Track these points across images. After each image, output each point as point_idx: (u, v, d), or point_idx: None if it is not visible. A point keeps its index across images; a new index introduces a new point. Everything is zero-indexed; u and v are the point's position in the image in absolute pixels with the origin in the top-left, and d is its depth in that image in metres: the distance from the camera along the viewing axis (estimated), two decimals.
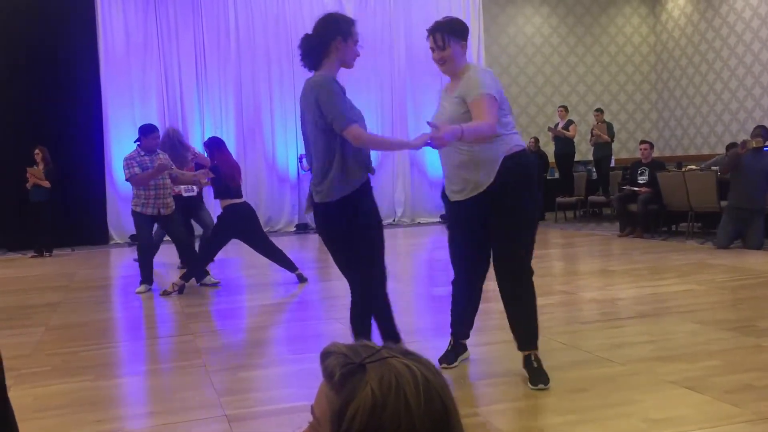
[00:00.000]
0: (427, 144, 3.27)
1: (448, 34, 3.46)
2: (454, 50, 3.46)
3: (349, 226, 3.28)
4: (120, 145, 11.65)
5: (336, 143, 3.20)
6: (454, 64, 3.50)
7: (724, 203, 8.44)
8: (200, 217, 8.23)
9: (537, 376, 3.42)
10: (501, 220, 3.42)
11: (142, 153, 6.72)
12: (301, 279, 6.99)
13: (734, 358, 3.74)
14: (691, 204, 9.07)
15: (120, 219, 11.74)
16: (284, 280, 7.36)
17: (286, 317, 5.51)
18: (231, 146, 12.20)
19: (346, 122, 3.13)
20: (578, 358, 3.90)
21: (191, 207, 8.06)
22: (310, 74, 3.32)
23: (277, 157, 12.64)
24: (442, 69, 3.54)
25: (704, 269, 6.72)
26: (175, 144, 7.81)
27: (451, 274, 3.81)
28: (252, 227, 6.82)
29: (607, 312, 5.08)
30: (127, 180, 6.70)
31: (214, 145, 6.90)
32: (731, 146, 9.45)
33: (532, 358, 3.48)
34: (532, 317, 3.51)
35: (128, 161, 6.68)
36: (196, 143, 10.25)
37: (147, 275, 6.78)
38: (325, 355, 1.05)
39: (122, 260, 9.96)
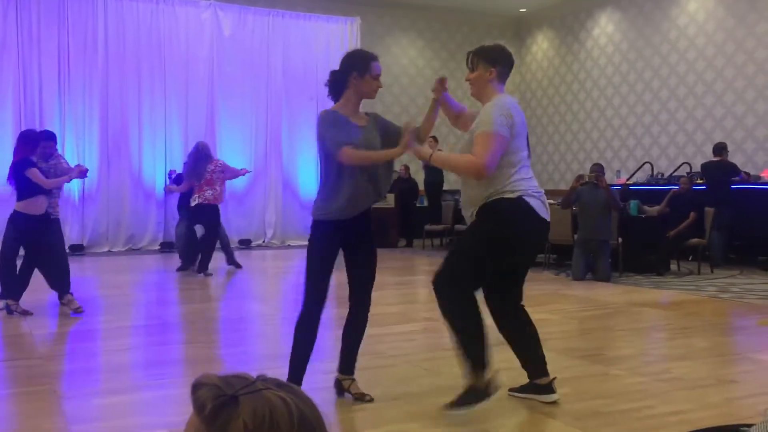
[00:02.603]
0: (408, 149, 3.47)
1: (478, 57, 3.55)
2: (480, 74, 3.52)
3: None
4: None
5: (331, 169, 3.48)
6: (478, 88, 3.54)
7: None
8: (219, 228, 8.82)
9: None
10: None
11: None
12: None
13: (583, 386, 3.98)
14: (548, 236, 9.57)
15: None
16: (146, 300, 7.07)
17: (145, 341, 5.29)
18: (93, 158, 11.61)
19: (335, 147, 3.39)
20: (441, 384, 4.00)
21: (203, 214, 8.51)
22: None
23: (144, 171, 12.12)
24: (471, 92, 3.62)
25: (558, 299, 7.10)
26: (201, 157, 8.46)
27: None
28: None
29: None
30: None
31: (25, 139, 6.11)
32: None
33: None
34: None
35: None
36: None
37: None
38: (197, 387, 1.03)
39: None
